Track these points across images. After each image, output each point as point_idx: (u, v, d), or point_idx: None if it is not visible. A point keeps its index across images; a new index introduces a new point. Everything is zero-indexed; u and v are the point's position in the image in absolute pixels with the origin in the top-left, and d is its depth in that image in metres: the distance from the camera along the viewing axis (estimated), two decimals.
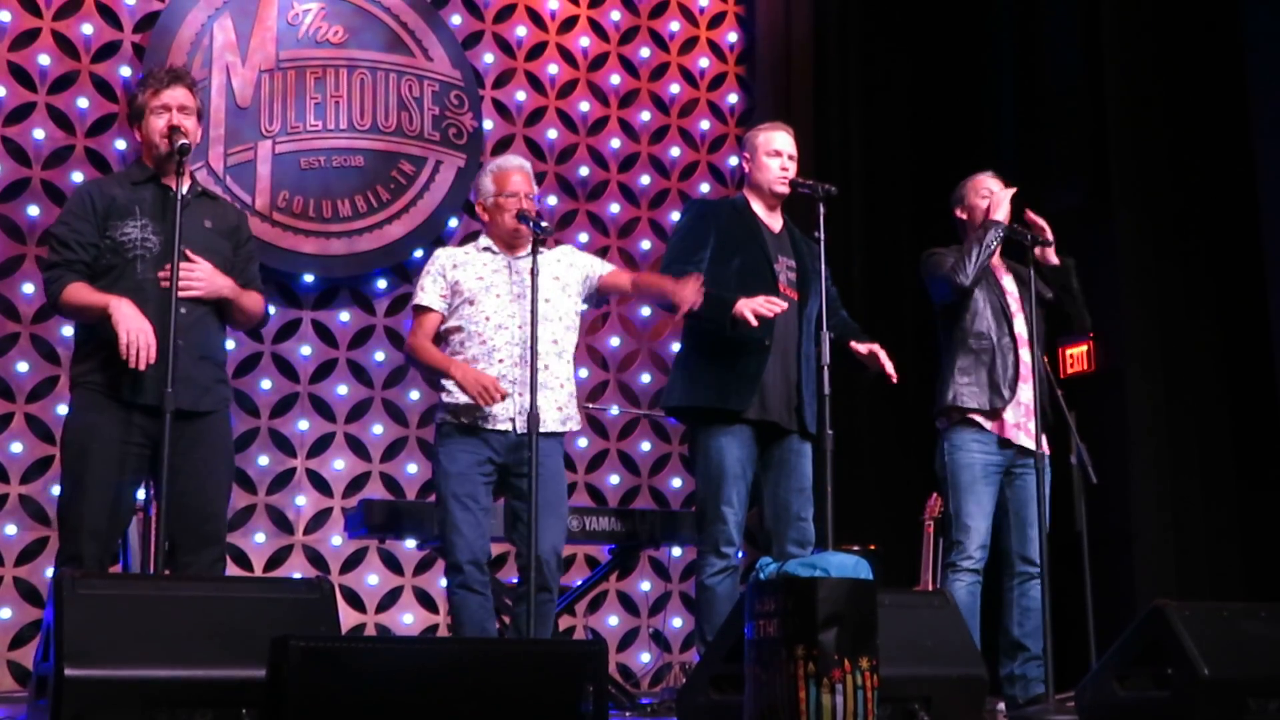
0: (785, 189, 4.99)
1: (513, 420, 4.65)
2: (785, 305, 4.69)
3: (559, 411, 4.73)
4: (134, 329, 4.10)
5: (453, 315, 4.78)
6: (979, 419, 5.14)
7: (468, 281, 4.77)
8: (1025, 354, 5.18)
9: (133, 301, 4.17)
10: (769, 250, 4.93)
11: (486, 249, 4.86)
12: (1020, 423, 5.13)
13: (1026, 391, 5.14)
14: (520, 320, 4.69)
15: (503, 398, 4.56)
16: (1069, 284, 5.33)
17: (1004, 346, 5.17)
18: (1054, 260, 5.29)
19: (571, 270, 4.91)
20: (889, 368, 4.92)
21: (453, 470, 4.65)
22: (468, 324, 4.73)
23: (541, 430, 4.54)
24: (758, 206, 5.03)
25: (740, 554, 4.84)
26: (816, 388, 4.72)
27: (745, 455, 4.78)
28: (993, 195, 5.28)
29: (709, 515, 4.76)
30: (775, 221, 5.05)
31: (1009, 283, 5.33)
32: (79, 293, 4.22)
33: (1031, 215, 5.29)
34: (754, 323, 4.63)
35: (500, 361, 4.67)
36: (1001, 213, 5.20)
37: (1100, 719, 4.10)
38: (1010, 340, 5.18)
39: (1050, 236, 5.29)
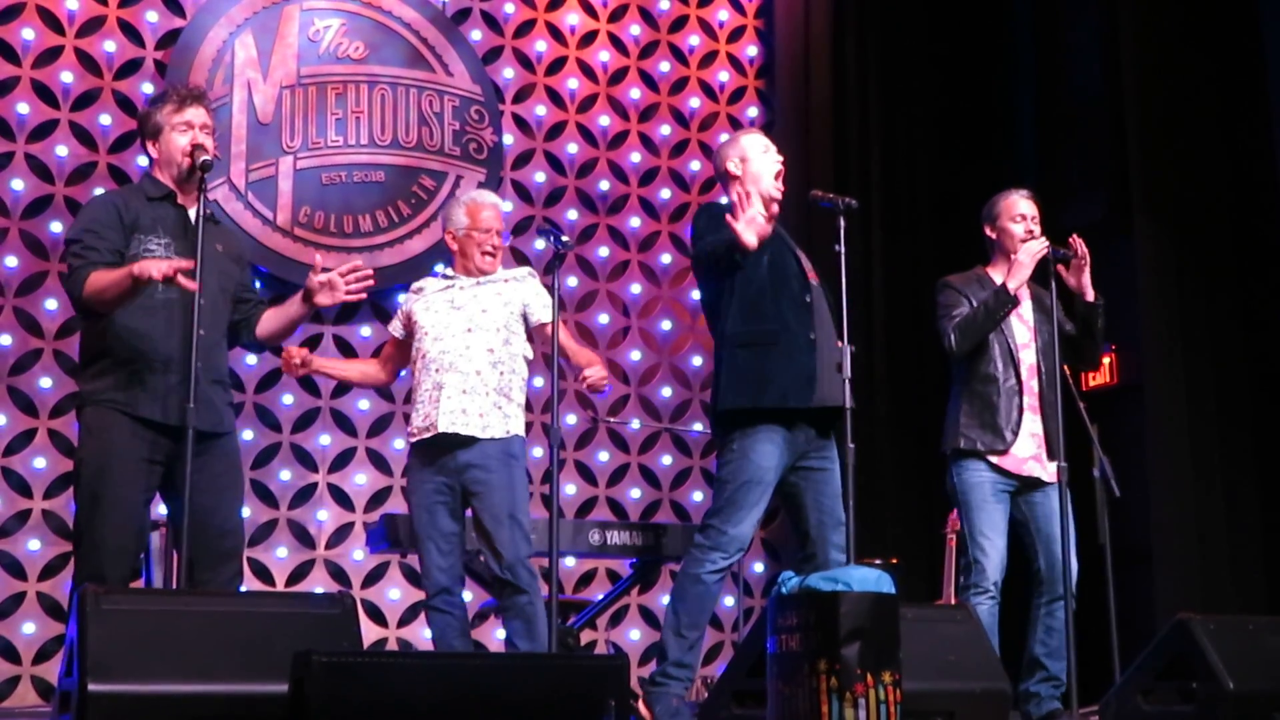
0: (779, 192, 4.91)
1: (439, 422, 4.77)
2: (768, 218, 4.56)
3: (480, 418, 4.80)
4: (163, 265, 4.05)
5: (411, 337, 5.00)
6: (987, 456, 5.10)
7: (417, 306, 5.00)
8: (1036, 385, 5.09)
9: (156, 319, 4.19)
10: (788, 240, 4.84)
11: (444, 276, 5.06)
12: (1035, 454, 5.06)
13: (1037, 423, 5.08)
14: (454, 330, 4.86)
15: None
16: (1094, 322, 5.21)
17: (1009, 390, 5.09)
18: (1089, 295, 5.15)
19: (514, 290, 4.99)
20: None
21: (414, 500, 4.88)
22: (415, 342, 4.96)
23: (465, 432, 4.76)
24: None
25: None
26: (834, 381, 4.65)
27: (778, 464, 4.67)
28: (1015, 259, 5.08)
29: (732, 516, 4.61)
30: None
31: (1026, 309, 5.21)
32: (100, 277, 4.15)
33: (1075, 240, 5.12)
34: (751, 242, 4.45)
35: (436, 371, 4.84)
36: (1018, 279, 5.05)
37: None
38: (1015, 383, 5.09)
39: (1087, 265, 5.12)
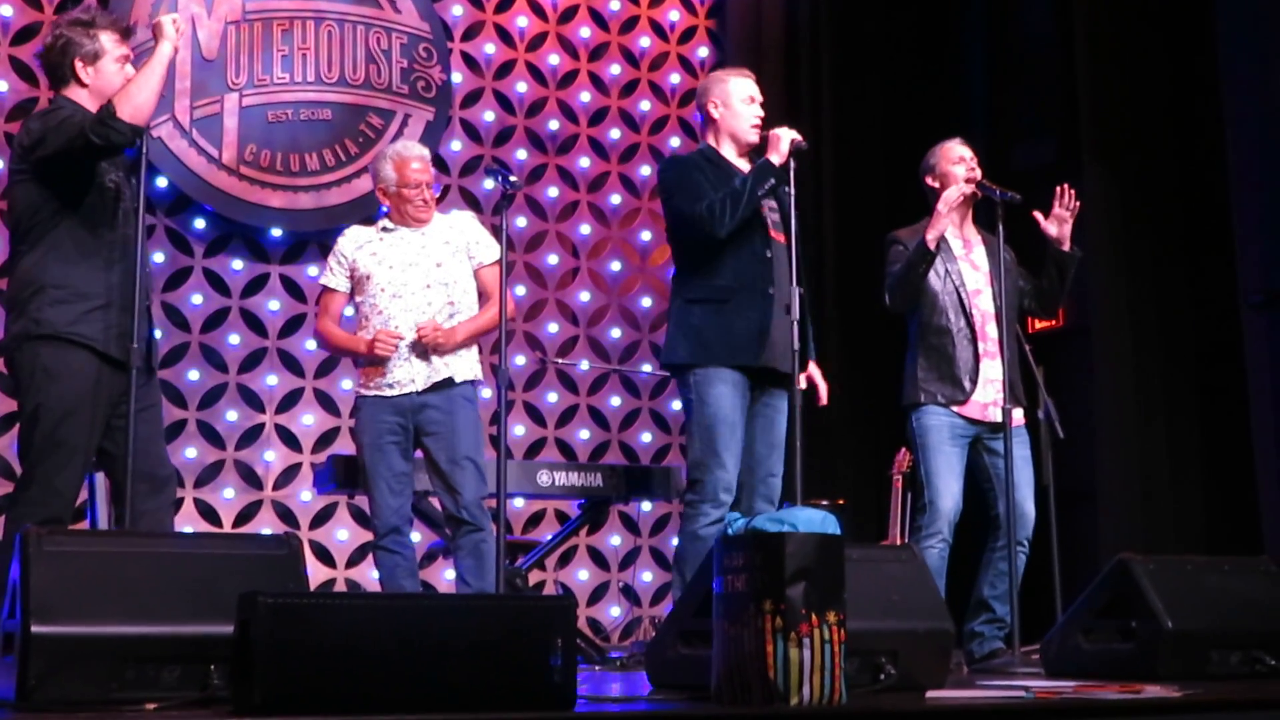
0: (758, 138, 4.93)
1: (413, 381, 4.84)
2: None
3: (451, 367, 4.88)
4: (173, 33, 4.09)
5: (357, 292, 4.98)
6: (949, 406, 5.11)
7: (364, 259, 4.95)
8: (992, 330, 5.08)
9: (110, 253, 4.11)
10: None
11: (384, 229, 5.02)
12: (995, 401, 5.04)
13: (995, 369, 5.08)
14: (413, 288, 4.87)
15: (394, 346, 4.84)
16: (1067, 272, 5.21)
17: (963, 338, 5.09)
18: (1067, 246, 5.16)
19: (459, 235, 5.02)
20: (820, 390, 5.10)
21: (365, 440, 4.87)
22: (367, 298, 4.92)
23: (441, 382, 4.83)
24: (729, 153, 4.93)
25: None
26: (789, 340, 4.69)
27: (741, 404, 4.72)
28: (935, 208, 5.07)
29: (707, 463, 4.66)
30: (745, 168, 4.94)
31: (979, 255, 5.22)
32: (130, 83, 4.03)
33: (1066, 190, 5.12)
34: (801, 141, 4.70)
35: (396, 328, 4.85)
36: (937, 229, 5.04)
37: (1065, 671, 4.14)
38: (969, 330, 5.09)
39: (1072, 217, 5.14)
